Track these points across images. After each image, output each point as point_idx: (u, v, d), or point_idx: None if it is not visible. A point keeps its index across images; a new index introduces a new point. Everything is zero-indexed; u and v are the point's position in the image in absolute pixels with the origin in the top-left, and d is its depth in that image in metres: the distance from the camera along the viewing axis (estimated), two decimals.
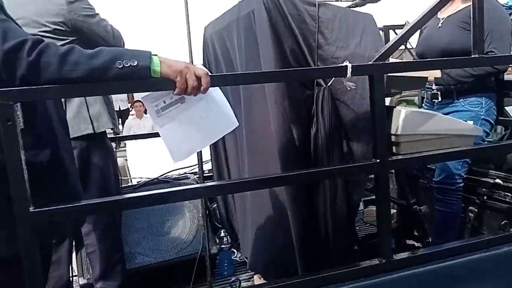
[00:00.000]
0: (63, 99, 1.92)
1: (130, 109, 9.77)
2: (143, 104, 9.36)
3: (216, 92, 1.43)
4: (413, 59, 2.78)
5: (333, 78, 1.68)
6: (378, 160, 1.46)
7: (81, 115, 2.08)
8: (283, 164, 1.73)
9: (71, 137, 1.58)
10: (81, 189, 1.52)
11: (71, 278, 2.28)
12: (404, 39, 1.59)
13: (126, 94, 10.30)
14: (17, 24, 1.29)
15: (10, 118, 1.14)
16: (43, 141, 1.34)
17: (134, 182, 2.74)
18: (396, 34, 3.22)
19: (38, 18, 1.98)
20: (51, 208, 1.22)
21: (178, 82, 1.26)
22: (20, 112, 1.21)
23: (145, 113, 9.70)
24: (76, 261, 2.40)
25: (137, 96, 10.27)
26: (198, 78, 1.28)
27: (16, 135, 1.15)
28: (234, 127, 1.47)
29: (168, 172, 2.72)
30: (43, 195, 1.25)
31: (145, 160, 4.13)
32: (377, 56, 1.49)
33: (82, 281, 2.35)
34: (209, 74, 1.30)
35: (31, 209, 1.17)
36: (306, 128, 1.72)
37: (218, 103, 1.44)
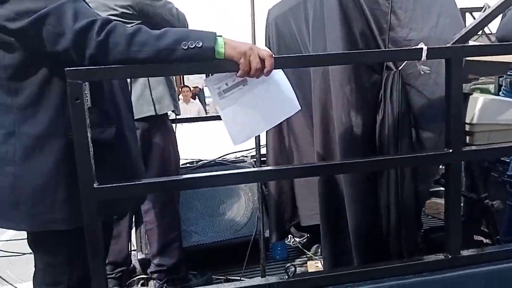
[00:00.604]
0: (128, 81, 1.95)
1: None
2: (190, 89, 9.54)
3: (279, 75, 1.39)
4: None
5: (405, 62, 1.57)
6: (451, 150, 1.38)
7: (144, 97, 2.12)
8: (344, 150, 1.66)
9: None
10: (143, 168, 1.55)
11: (130, 252, 2.37)
12: (487, 21, 1.47)
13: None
14: (88, 6, 1.31)
15: (78, 96, 1.17)
16: (108, 120, 1.36)
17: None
18: (474, 17, 3.01)
19: (107, 1, 2.02)
20: (114, 185, 1.25)
21: (242, 64, 1.24)
22: (88, 91, 1.23)
23: (193, 99, 9.87)
24: (135, 237, 2.48)
25: (185, 81, 10.46)
26: (262, 60, 1.25)
27: (84, 113, 1.18)
28: (296, 111, 1.43)
29: (226, 154, 2.72)
30: (106, 172, 1.28)
31: (191, 143, 4.20)
32: (456, 39, 1.38)
33: (140, 255, 2.43)
34: (273, 56, 1.26)
35: (95, 185, 1.20)
36: (372, 114, 1.64)
37: (281, 86, 1.40)
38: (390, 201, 1.59)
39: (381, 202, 1.62)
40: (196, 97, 10.40)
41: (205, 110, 9.87)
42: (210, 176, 1.43)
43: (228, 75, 1.33)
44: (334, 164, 1.47)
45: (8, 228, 1.33)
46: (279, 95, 1.38)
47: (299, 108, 1.41)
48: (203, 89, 10.43)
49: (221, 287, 1.40)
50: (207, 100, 10.50)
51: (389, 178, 1.59)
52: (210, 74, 1.39)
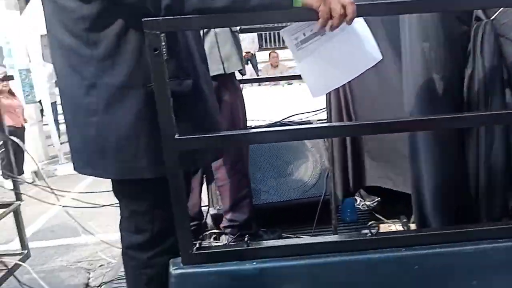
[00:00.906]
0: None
1: None
2: None
3: (359, 24, 1.31)
4: None
5: (499, 10, 1.43)
6: None
7: (213, 55, 2.12)
8: (428, 108, 1.56)
9: None
10: (219, 121, 1.55)
11: (207, 208, 2.45)
12: None
13: None
14: None
15: (157, 47, 1.17)
16: (185, 72, 1.37)
17: None
18: None
19: None
20: (193, 136, 1.26)
21: (322, 11, 1.18)
22: (165, 43, 1.23)
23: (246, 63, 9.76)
24: (207, 193, 2.56)
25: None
26: (343, 7, 1.17)
27: (162, 64, 1.18)
28: (376, 62, 1.35)
29: (290, 116, 2.69)
30: (185, 124, 1.29)
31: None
32: None
33: (213, 211, 2.51)
34: (355, 3, 1.18)
35: (176, 136, 1.22)
36: (459, 68, 1.52)
37: (360, 36, 1.32)
38: (479, 162, 1.49)
39: (469, 163, 1.52)
40: (249, 62, 10.35)
41: (257, 75, 9.86)
42: (294, 129, 1.41)
43: (305, 24, 1.27)
44: (421, 120, 1.37)
45: (95, 176, 1.40)
46: (359, 45, 1.31)
47: (381, 57, 1.33)
48: (255, 54, 10.36)
49: (302, 241, 1.38)
50: (259, 66, 10.46)
51: (478, 137, 1.48)
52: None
